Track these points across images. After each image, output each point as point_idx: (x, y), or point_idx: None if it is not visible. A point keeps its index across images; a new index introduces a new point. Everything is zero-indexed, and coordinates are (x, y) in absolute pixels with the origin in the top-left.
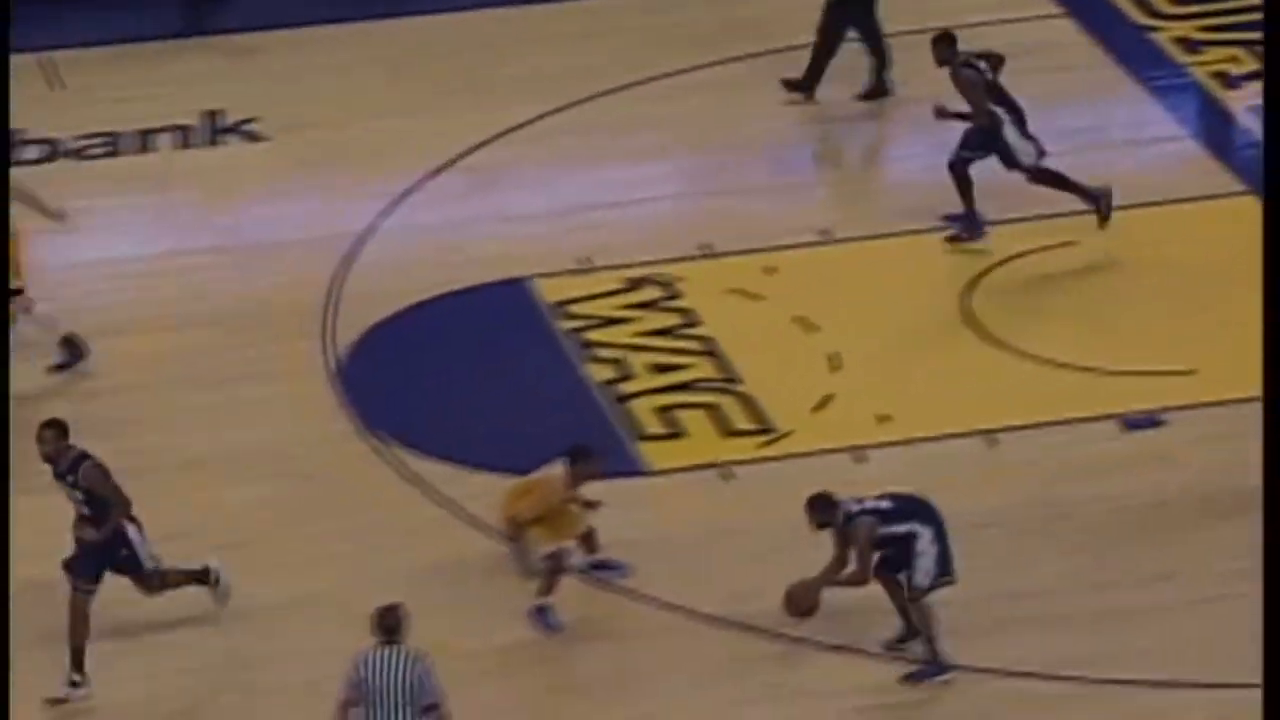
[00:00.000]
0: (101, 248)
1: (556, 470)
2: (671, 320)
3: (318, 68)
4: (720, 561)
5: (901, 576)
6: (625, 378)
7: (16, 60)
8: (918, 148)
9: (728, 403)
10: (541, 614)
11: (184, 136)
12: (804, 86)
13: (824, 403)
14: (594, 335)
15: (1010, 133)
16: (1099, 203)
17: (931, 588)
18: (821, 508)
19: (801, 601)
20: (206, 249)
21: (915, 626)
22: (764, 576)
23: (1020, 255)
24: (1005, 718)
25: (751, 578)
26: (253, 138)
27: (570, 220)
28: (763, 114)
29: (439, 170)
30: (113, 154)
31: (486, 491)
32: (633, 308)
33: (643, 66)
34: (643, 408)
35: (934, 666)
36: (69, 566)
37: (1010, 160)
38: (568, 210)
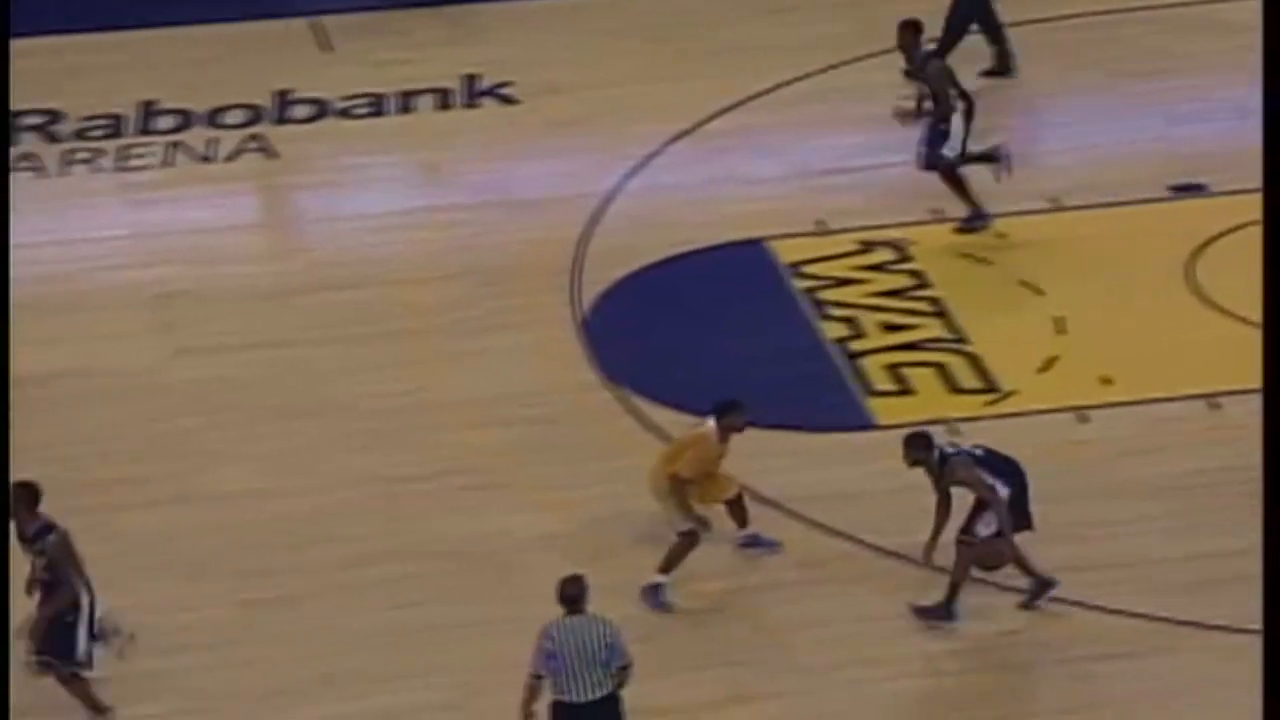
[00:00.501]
0: (366, 203)
1: (707, 426)
2: (903, 282)
3: (572, 34)
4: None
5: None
6: (856, 335)
7: (290, 24)
8: (1146, 119)
9: (955, 362)
10: (655, 592)
11: (443, 99)
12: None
13: (1048, 364)
14: (827, 295)
15: (956, 121)
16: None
17: (984, 539)
18: (918, 445)
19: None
20: (462, 206)
21: (1041, 579)
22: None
23: (1244, 225)
24: (1219, 671)
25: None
26: (507, 101)
27: (807, 184)
28: (995, 86)
29: (683, 135)
30: (376, 114)
31: None
32: (865, 269)
33: (878, 40)
34: (873, 365)
35: (943, 612)
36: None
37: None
38: (805, 175)
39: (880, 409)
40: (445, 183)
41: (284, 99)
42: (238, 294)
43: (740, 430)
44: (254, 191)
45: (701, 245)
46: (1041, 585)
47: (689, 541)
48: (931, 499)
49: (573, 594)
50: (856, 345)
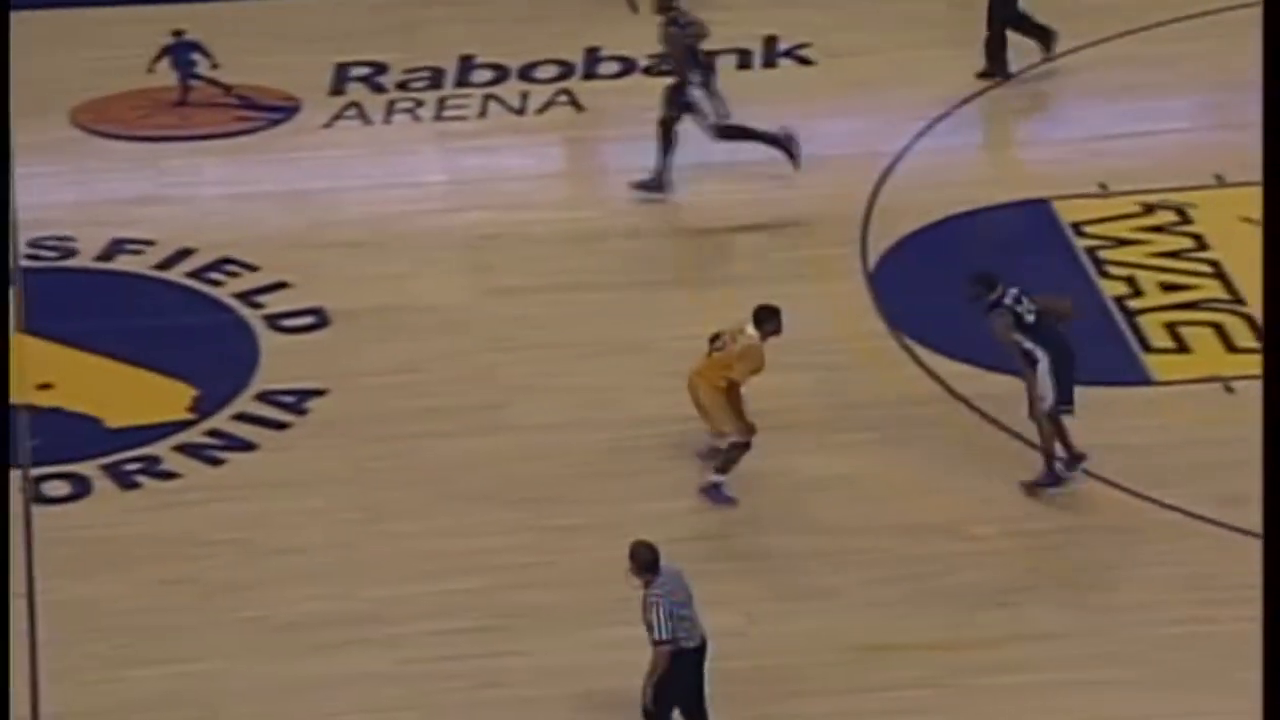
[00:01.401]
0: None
1: (751, 334)
2: (1183, 244)
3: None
4: (1216, 468)
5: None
6: (1136, 294)
7: None
8: None
9: (1232, 322)
10: (716, 490)
11: (743, 59)
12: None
13: None
14: (1108, 254)
15: (696, 92)
16: (790, 146)
17: (1052, 412)
18: (981, 281)
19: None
20: (759, 161)
21: (1074, 454)
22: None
23: None
24: None
25: (1242, 483)
26: (804, 62)
27: (1090, 148)
28: None
29: (972, 97)
30: None
31: (1000, 391)
32: (1146, 230)
33: (1158, 10)
34: (1151, 323)
35: (1050, 478)
36: None
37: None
38: (1089, 138)
39: (1158, 366)
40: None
41: (593, 56)
42: (545, 238)
43: (778, 334)
44: (562, 143)
45: (987, 204)
46: (1073, 460)
47: (743, 447)
48: (1208, 451)
49: (649, 559)
50: (1135, 304)
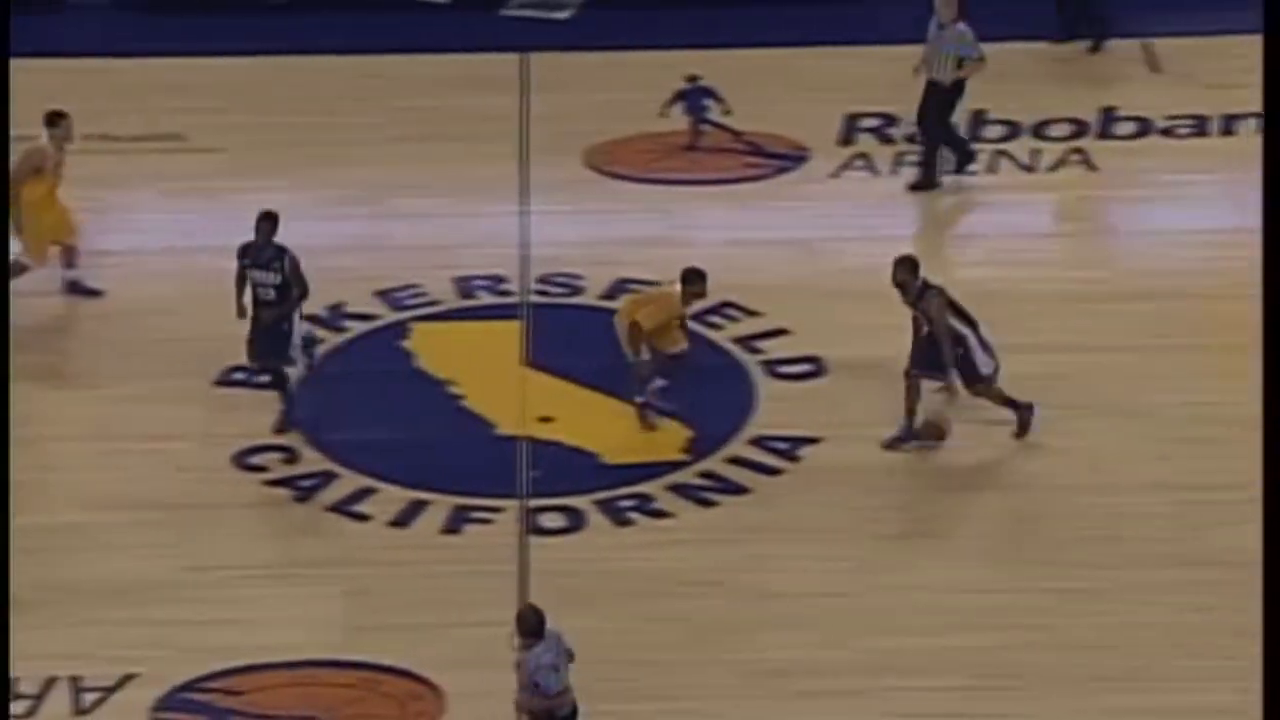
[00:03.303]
0: (1181, 218)
1: (675, 288)
2: None
3: None
4: None
5: (952, 376)
6: None
7: (1122, 44)
8: None
9: None
10: (648, 407)
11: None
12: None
13: None
14: None
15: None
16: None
17: (992, 376)
18: (906, 267)
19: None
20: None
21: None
22: None
23: None
24: None
25: None
26: None
27: None
28: None
29: None
30: (1199, 134)
31: None
32: None
33: None
34: None
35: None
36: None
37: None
38: None
39: None
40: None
41: (1109, 115)
42: (1051, 297)
43: (700, 297)
44: (1073, 201)
45: None
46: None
47: (653, 363)
48: None
49: (535, 623)
50: None
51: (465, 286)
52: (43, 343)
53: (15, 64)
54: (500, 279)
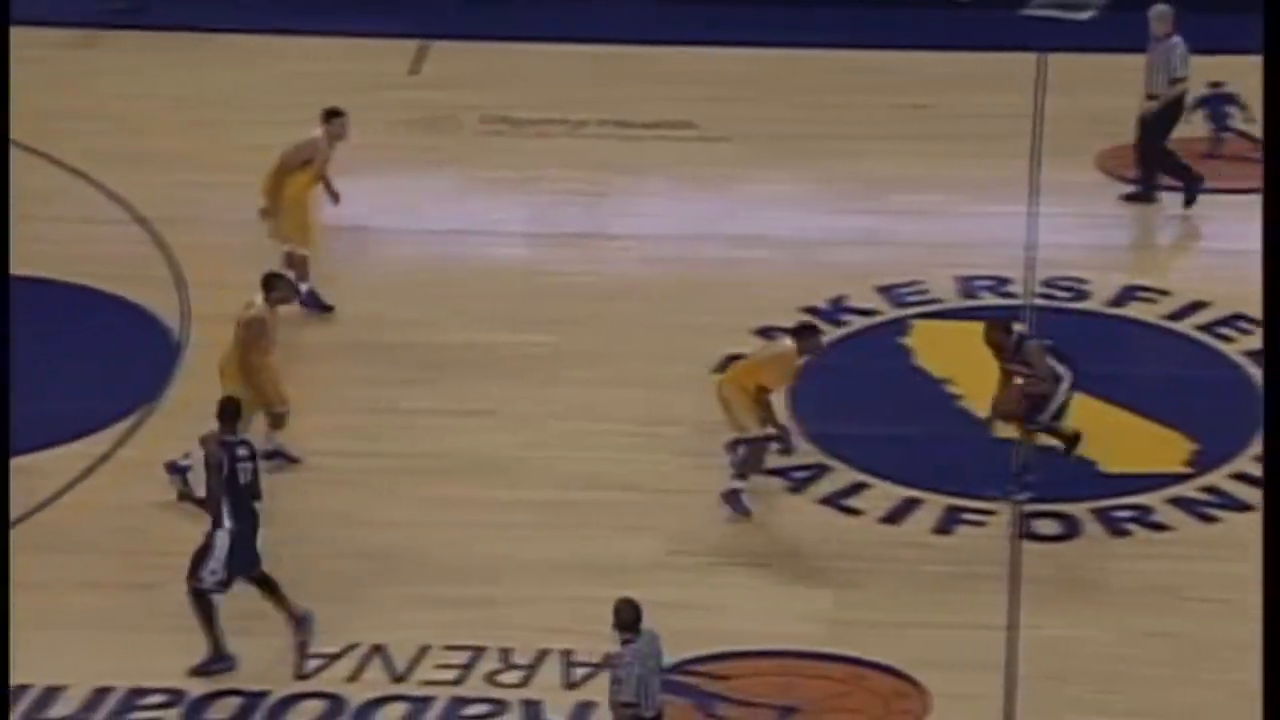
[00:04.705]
0: None
1: (787, 345)
2: None
3: None
4: None
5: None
6: None
7: None
8: None
9: None
10: (736, 497)
11: None
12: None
13: None
14: None
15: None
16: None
17: (1045, 428)
18: (999, 329)
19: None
20: None
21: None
22: None
23: None
24: None
25: None
26: None
27: None
28: None
29: None
30: None
31: None
32: None
33: None
34: None
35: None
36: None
37: None
38: None
39: None
40: None
41: None
42: None
43: (817, 351)
44: None
45: None
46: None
47: (764, 448)
48: None
49: (632, 618)
50: None
51: (968, 286)
52: (545, 323)
53: (539, 49)
54: (1004, 280)
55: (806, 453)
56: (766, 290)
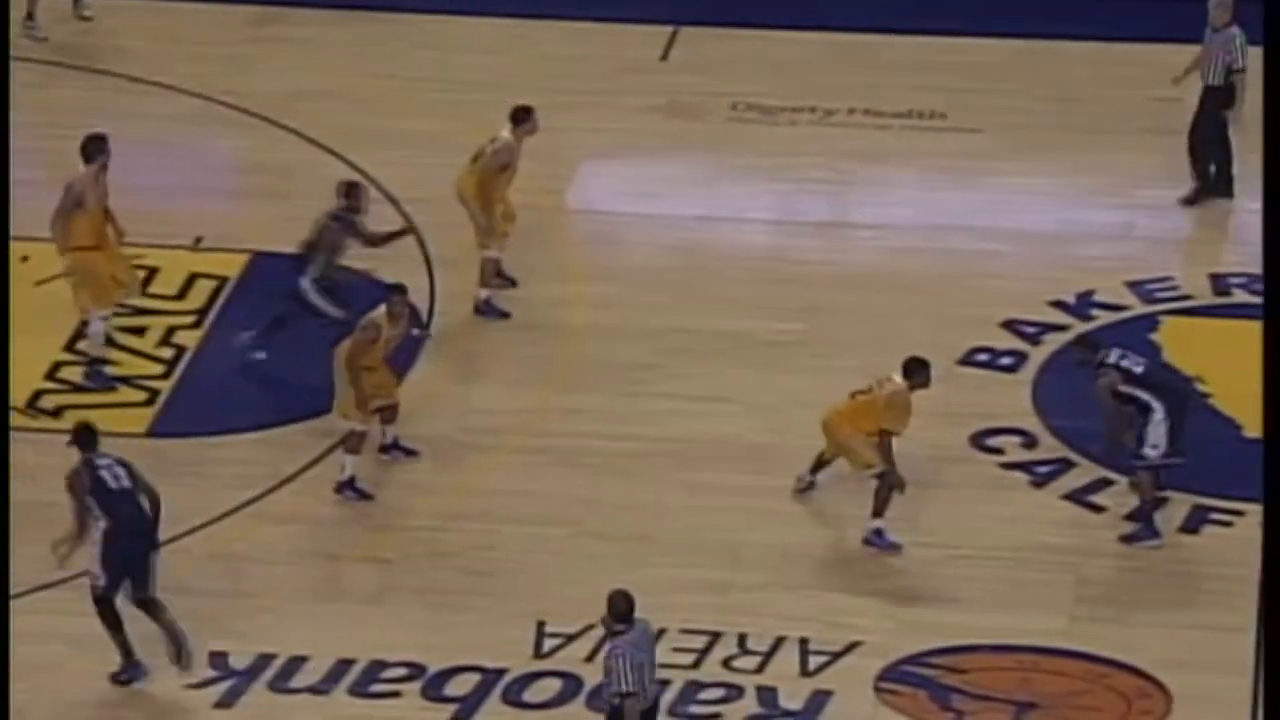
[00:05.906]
0: None
1: (899, 383)
2: None
3: None
4: None
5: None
6: None
7: None
8: None
9: None
10: (880, 536)
11: None
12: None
13: None
14: None
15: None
16: None
17: (1157, 464)
18: (1087, 344)
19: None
20: None
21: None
22: None
23: None
24: None
25: None
26: None
27: None
28: None
29: None
30: None
31: None
32: None
33: None
34: None
35: (1148, 531)
36: None
37: None
38: None
39: None
40: None
41: None
42: None
43: (926, 386)
44: None
45: None
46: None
47: (890, 483)
48: None
49: (625, 609)
50: None
51: (1221, 283)
52: (792, 311)
53: (788, 36)
54: (1259, 278)
55: (1051, 447)
56: (1014, 284)
